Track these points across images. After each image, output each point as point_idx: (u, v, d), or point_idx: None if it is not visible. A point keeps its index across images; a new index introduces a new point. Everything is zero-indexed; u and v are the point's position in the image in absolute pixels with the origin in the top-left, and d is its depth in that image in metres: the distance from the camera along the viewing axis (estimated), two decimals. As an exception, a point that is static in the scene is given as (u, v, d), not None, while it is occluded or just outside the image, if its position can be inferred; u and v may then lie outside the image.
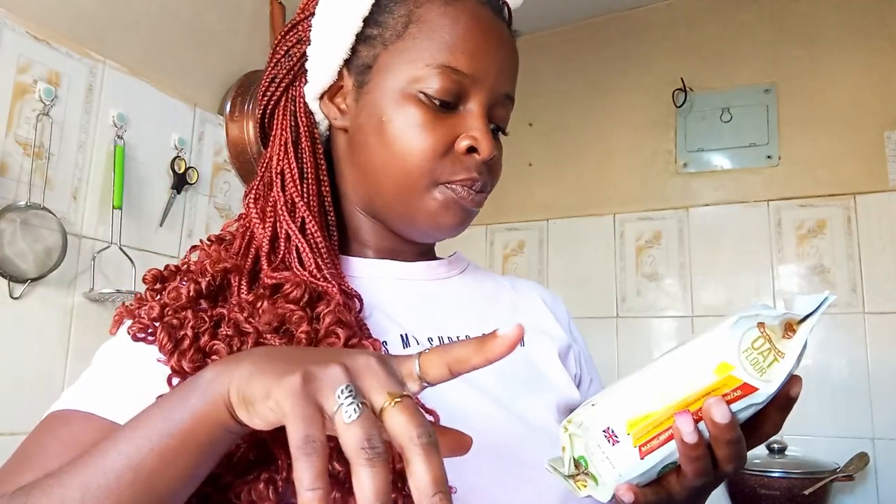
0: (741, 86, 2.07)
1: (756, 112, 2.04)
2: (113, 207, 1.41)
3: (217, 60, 1.72)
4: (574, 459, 0.48)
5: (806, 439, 1.81)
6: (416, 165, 0.59)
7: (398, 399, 0.34)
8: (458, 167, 0.60)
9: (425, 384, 0.39)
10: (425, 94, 0.59)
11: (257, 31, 1.78)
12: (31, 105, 1.29)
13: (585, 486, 0.48)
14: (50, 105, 1.31)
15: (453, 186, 0.60)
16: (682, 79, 2.11)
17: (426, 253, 0.70)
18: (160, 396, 0.44)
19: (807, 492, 1.58)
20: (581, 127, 2.27)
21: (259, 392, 0.36)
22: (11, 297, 1.23)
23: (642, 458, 0.45)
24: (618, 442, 0.45)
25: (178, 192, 1.58)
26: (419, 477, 0.32)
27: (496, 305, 0.69)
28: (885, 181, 1.85)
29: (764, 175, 2.01)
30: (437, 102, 0.59)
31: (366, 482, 0.31)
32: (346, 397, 0.33)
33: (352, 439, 0.32)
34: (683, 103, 2.12)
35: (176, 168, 1.58)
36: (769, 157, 2.01)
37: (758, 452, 1.69)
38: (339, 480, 0.45)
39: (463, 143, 0.59)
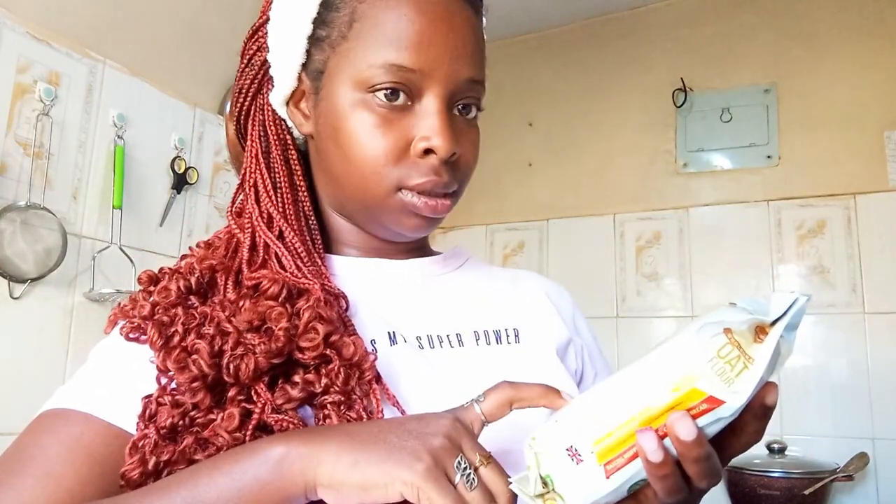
0: (741, 86, 2.07)
1: (756, 112, 2.04)
2: (113, 207, 1.41)
3: (217, 60, 1.72)
4: (541, 478, 0.45)
5: (806, 439, 1.81)
6: (373, 173, 0.57)
7: (488, 460, 0.44)
8: (417, 171, 0.57)
9: (487, 423, 0.47)
10: (374, 96, 0.56)
11: (257, 31, 1.78)
12: (31, 105, 1.29)
13: None
14: (50, 105, 1.31)
15: (412, 195, 0.57)
16: (682, 79, 2.11)
17: (419, 249, 0.69)
18: (213, 458, 0.45)
19: (807, 492, 1.58)
20: (581, 127, 2.27)
21: (379, 478, 0.41)
22: (11, 297, 1.23)
23: (608, 478, 0.42)
24: (581, 461, 0.42)
25: (178, 192, 1.58)
26: None
27: (492, 303, 0.68)
28: (885, 181, 1.85)
29: (764, 175, 2.01)
30: (386, 104, 0.56)
31: None
32: (464, 468, 0.43)
33: (476, 501, 0.42)
34: (683, 103, 2.12)
35: (176, 168, 1.58)
36: (769, 157, 2.00)
37: (758, 452, 1.69)
38: None
39: (419, 146, 0.56)
